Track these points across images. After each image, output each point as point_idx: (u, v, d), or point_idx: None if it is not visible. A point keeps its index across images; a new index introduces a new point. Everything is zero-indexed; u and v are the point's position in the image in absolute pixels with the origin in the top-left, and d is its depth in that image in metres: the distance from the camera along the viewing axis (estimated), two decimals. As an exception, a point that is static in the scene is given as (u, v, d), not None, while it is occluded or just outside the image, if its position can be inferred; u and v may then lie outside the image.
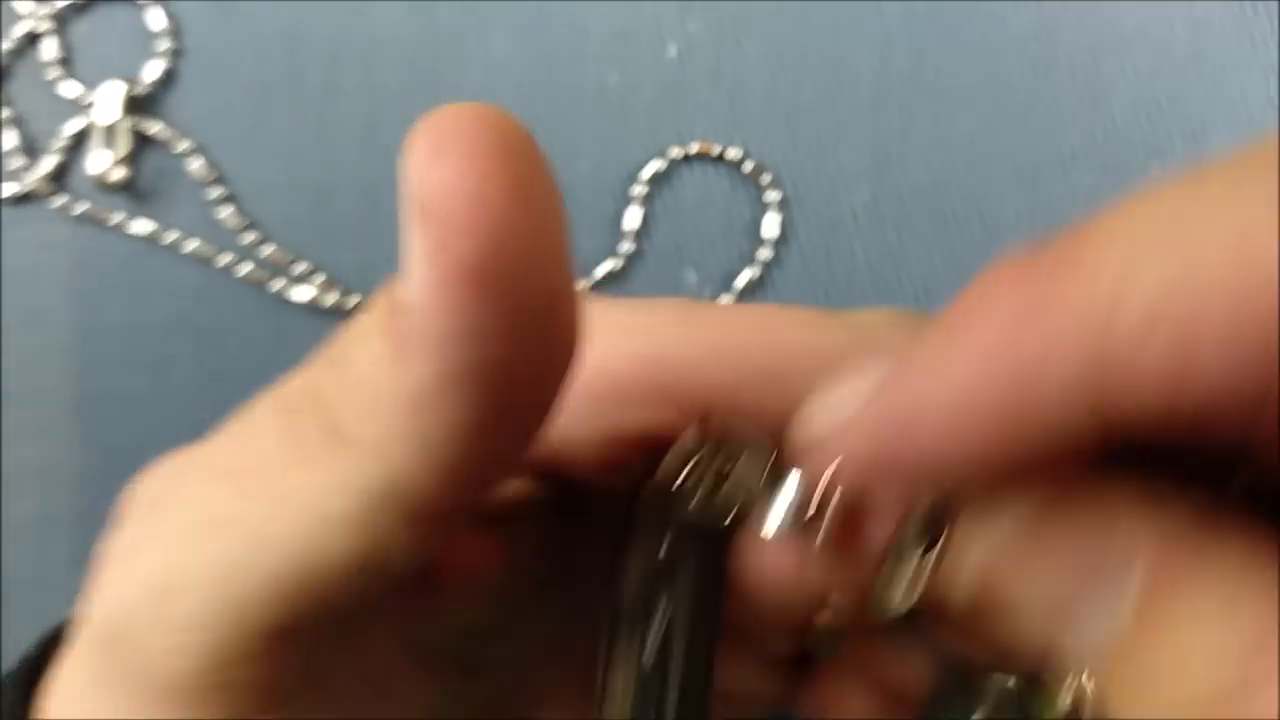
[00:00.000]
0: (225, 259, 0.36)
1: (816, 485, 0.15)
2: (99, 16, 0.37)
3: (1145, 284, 0.12)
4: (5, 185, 0.36)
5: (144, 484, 0.18)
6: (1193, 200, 0.12)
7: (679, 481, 0.17)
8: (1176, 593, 0.13)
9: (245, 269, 0.36)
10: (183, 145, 0.36)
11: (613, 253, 0.36)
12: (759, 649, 0.19)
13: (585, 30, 0.37)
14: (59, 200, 0.36)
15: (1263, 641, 0.12)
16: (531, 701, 0.21)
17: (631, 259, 0.36)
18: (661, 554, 0.17)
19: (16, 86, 0.37)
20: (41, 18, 0.37)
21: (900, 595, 0.15)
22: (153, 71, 0.36)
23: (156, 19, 0.37)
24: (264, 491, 0.15)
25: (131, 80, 0.36)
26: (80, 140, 0.36)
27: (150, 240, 0.36)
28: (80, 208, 0.36)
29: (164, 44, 0.37)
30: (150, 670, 0.15)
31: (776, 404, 0.17)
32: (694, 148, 0.36)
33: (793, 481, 0.16)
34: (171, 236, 0.36)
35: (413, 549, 0.15)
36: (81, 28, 0.37)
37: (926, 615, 0.15)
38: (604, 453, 0.18)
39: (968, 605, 0.15)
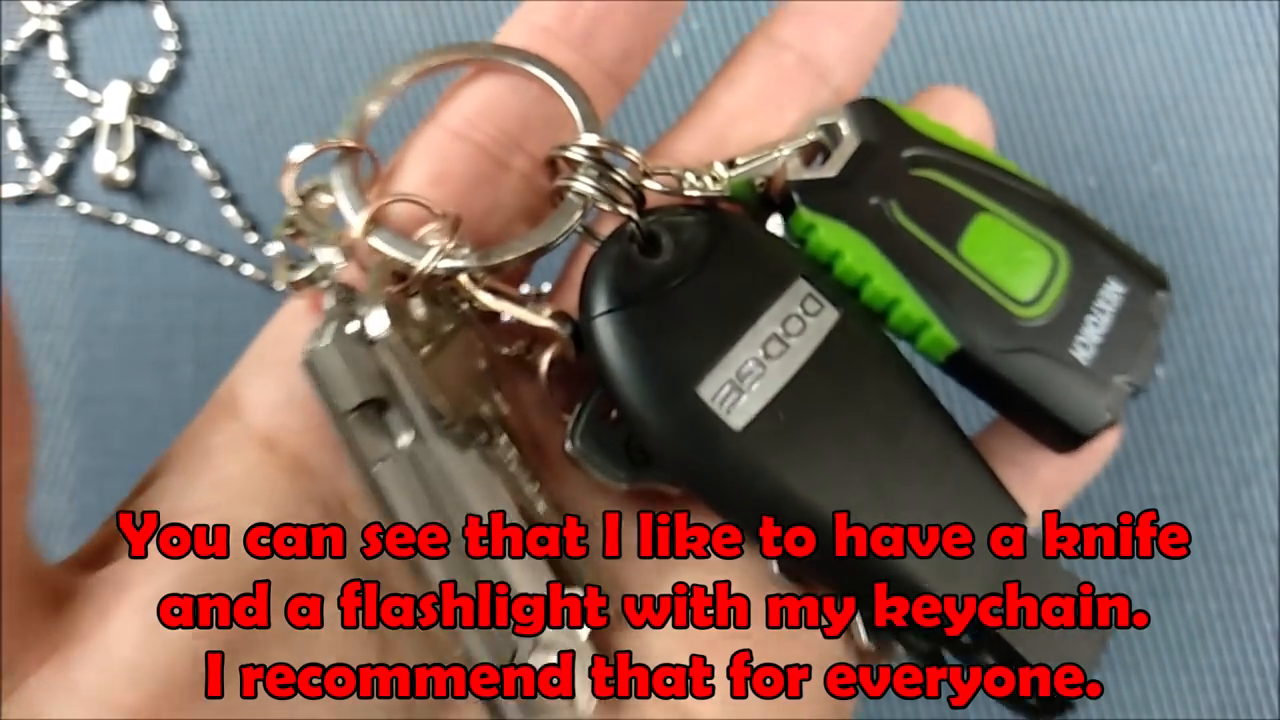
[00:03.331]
0: (229, 259, 0.36)
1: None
2: (105, 17, 0.37)
3: None
4: (11, 185, 0.36)
5: None
6: None
7: None
8: None
9: (249, 269, 0.36)
10: (188, 145, 0.36)
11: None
12: None
13: (590, 30, 0.37)
14: (64, 200, 0.36)
15: None
16: None
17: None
18: None
19: (23, 86, 0.37)
20: (48, 18, 0.37)
21: None
22: (158, 72, 0.37)
23: (162, 20, 0.37)
24: None
25: (137, 80, 0.36)
26: (86, 140, 0.36)
27: (155, 240, 0.36)
28: (85, 207, 0.36)
29: (169, 44, 0.37)
30: None
31: None
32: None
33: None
34: (176, 236, 0.36)
35: None
36: (88, 28, 0.37)
37: None
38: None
39: None
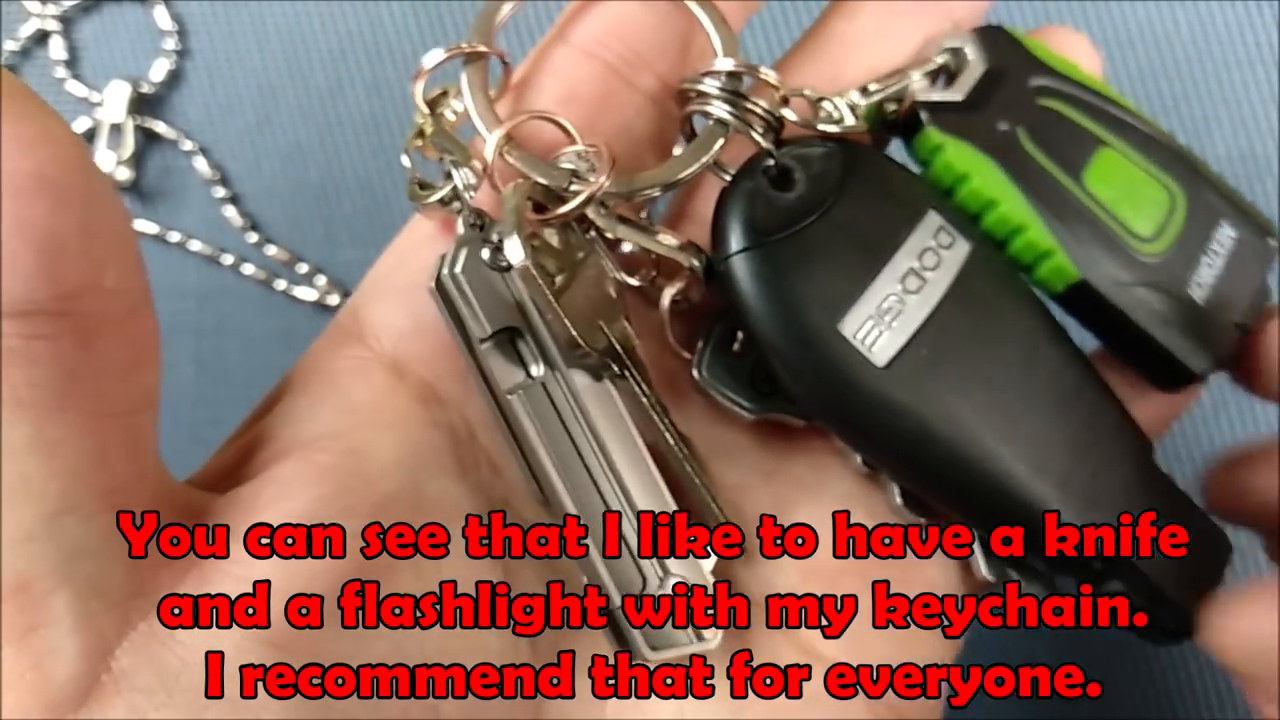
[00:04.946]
0: (229, 258, 0.36)
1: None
2: (105, 17, 0.37)
3: None
4: (10, 185, 0.36)
5: None
6: None
7: None
8: None
9: (249, 268, 0.36)
10: (188, 145, 0.36)
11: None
12: None
13: (590, 30, 0.37)
14: (64, 200, 0.36)
15: None
16: None
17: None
18: None
19: (22, 86, 0.37)
20: (48, 17, 0.37)
21: None
22: (158, 71, 0.37)
23: (162, 20, 0.37)
24: None
25: (137, 80, 0.36)
26: (86, 140, 0.36)
27: (155, 240, 0.36)
28: (85, 207, 0.36)
29: (169, 44, 0.37)
30: None
31: None
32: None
33: None
34: (176, 236, 0.36)
35: None
36: (88, 28, 0.37)
37: None
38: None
39: None
